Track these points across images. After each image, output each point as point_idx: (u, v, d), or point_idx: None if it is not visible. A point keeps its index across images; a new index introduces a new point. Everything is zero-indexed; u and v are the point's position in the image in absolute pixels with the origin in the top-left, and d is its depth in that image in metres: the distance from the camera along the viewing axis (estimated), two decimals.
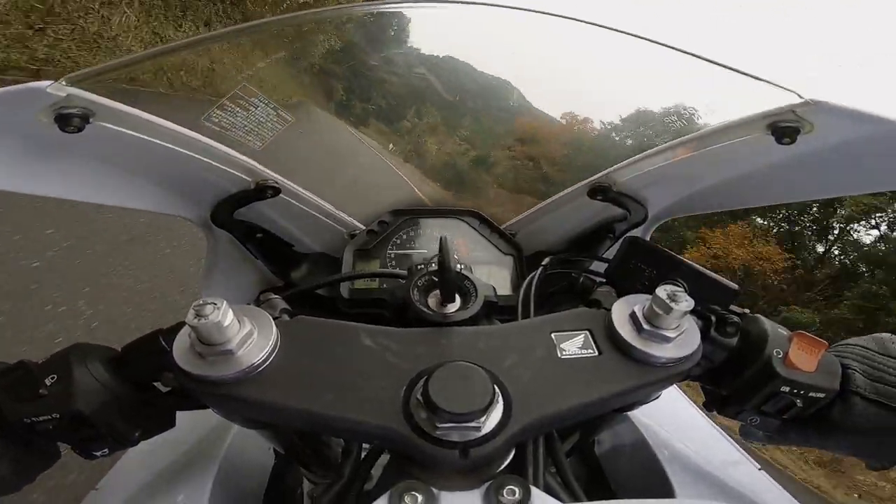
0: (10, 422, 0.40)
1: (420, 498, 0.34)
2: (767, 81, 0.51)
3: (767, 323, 0.47)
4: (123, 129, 0.49)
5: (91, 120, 0.44)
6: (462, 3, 0.75)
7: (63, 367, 0.41)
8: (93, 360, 0.42)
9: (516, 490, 0.34)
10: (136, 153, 0.54)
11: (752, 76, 0.53)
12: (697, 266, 0.52)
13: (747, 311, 0.50)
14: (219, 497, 0.50)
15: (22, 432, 0.40)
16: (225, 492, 0.52)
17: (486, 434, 0.35)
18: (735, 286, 0.51)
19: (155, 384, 0.46)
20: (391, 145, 1.23)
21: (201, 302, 0.37)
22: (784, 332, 0.47)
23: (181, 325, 0.41)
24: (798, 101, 0.47)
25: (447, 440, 0.35)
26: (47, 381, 0.40)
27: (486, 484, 0.35)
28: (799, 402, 0.45)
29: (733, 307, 0.50)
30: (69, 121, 0.43)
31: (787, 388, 0.44)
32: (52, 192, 0.57)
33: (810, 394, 0.44)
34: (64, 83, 0.42)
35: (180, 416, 0.49)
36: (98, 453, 0.44)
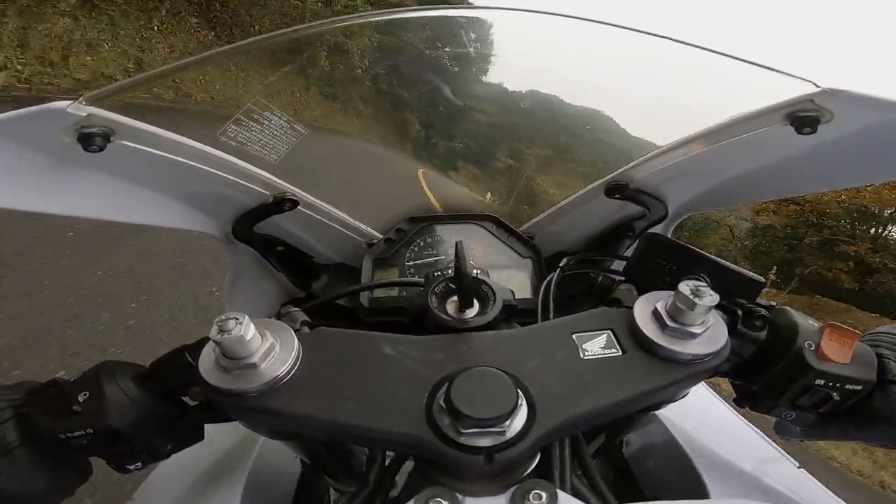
0: (45, 437, 0.41)
1: None
2: (784, 72, 0.50)
3: (796, 315, 0.46)
4: (144, 147, 0.50)
5: (112, 139, 0.46)
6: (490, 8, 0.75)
7: (94, 384, 0.42)
8: (122, 377, 0.43)
9: (543, 494, 0.34)
10: (156, 170, 0.55)
11: (768, 68, 0.52)
12: (721, 260, 0.51)
13: (774, 303, 0.49)
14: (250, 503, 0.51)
15: (56, 448, 0.42)
16: (254, 501, 0.52)
17: (511, 438, 0.35)
18: (761, 278, 0.50)
19: (183, 398, 0.47)
20: (489, 194, 1.20)
21: (224, 317, 0.38)
22: (814, 323, 0.46)
23: (205, 340, 0.41)
24: (816, 89, 0.46)
25: (471, 445, 0.35)
26: (80, 398, 0.41)
27: (512, 489, 0.35)
28: (836, 395, 0.43)
29: (760, 300, 0.49)
30: (91, 140, 0.44)
31: (821, 382, 0.43)
32: (75, 212, 0.58)
33: (847, 386, 0.43)
34: (84, 103, 0.43)
35: (209, 428, 0.50)
36: (131, 467, 0.45)
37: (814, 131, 0.48)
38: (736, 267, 0.51)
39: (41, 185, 0.50)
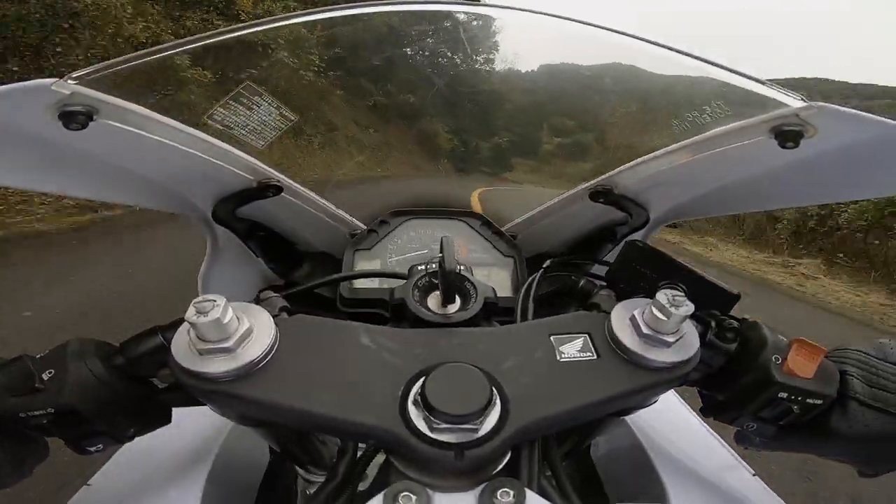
0: (4, 416, 0.40)
1: (414, 499, 0.34)
2: (770, 85, 0.51)
3: (767, 329, 0.47)
4: (127, 127, 0.49)
5: (95, 118, 0.44)
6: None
7: (60, 362, 0.41)
8: (90, 356, 0.42)
9: (511, 492, 0.34)
10: (139, 151, 0.54)
11: (755, 79, 0.53)
12: (698, 270, 0.52)
13: (747, 317, 0.50)
14: (212, 493, 0.50)
15: (14, 427, 0.40)
16: (219, 488, 0.52)
17: (483, 436, 0.35)
18: (736, 292, 0.51)
19: (152, 380, 0.46)
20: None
21: (201, 299, 0.37)
22: (783, 338, 0.47)
23: (180, 321, 0.41)
24: (801, 104, 0.47)
25: (443, 441, 0.35)
26: (44, 376, 0.40)
27: (482, 486, 0.35)
28: (796, 408, 0.45)
29: (733, 313, 0.50)
30: (73, 118, 0.43)
31: (784, 394, 0.44)
32: (56, 189, 0.57)
33: (808, 400, 0.44)
34: (69, 81, 0.42)
35: (176, 412, 0.49)
36: (92, 449, 0.44)
37: (796, 145, 0.49)
38: (713, 279, 0.52)
39: (22, 162, 0.49)
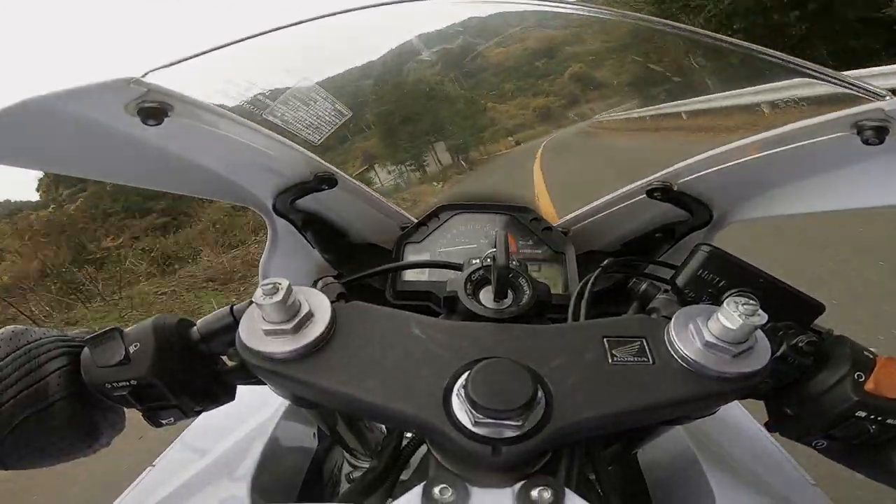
0: (91, 386, 0.43)
1: (452, 492, 0.34)
2: (852, 82, 0.47)
3: (852, 344, 0.44)
4: (198, 123, 0.52)
5: (170, 113, 0.47)
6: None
7: (145, 336, 0.44)
8: (172, 331, 0.45)
9: (549, 491, 0.34)
10: (207, 145, 0.58)
11: (834, 76, 0.49)
12: (779, 280, 0.49)
13: (832, 329, 0.46)
14: (263, 475, 0.53)
15: (96, 398, 0.44)
16: (269, 470, 0.55)
17: (523, 433, 0.35)
18: (821, 304, 0.48)
19: (222, 357, 0.49)
20: None
21: (268, 282, 0.39)
22: (869, 354, 0.43)
23: (251, 302, 0.43)
24: (887, 99, 0.43)
25: (482, 435, 0.35)
26: (131, 349, 0.43)
27: (520, 483, 0.35)
28: (873, 428, 0.41)
29: (816, 325, 0.47)
30: (150, 114, 0.46)
31: (863, 413, 0.41)
32: (130, 181, 0.61)
33: (888, 420, 0.41)
34: (146, 78, 0.45)
35: (239, 393, 0.52)
36: (164, 421, 0.47)
37: (881, 142, 0.45)
38: (795, 288, 0.49)
39: (99, 155, 0.53)
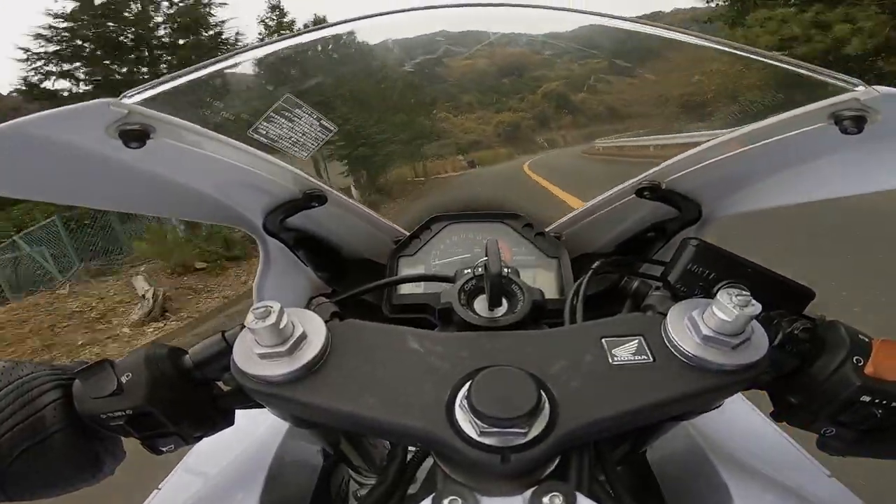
0: (85, 418, 0.43)
1: (462, 503, 0.34)
2: (827, 73, 0.49)
3: (846, 329, 0.44)
4: (182, 144, 0.51)
5: (152, 135, 0.47)
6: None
7: (137, 366, 0.44)
8: (163, 360, 0.45)
9: (560, 496, 0.33)
10: (193, 166, 0.57)
11: (809, 68, 0.50)
12: (768, 269, 0.50)
13: (824, 315, 0.47)
14: (270, 496, 0.52)
15: (93, 429, 0.43)
16: (276, 490, 0.54)
17: (530, 440, 0.35)
18: (811, 290, 0.48)
19: (218, 383, 0.48)
20: None
21: (259, 306, 0.39)
22: (865, 337, 0.44)
23: (243, 326, 0.42)
24: (861, 89, 0.44)
25: (489, 445, 0.34)
26: (123, 379, 0.43)
27: (531, 490, 0.35)
28: (880, 412, 0.41)
29: (808, 312, 0.47)
30: (131, 136, 0.45)
31: (867, 398, 0.41)
32: (114, 206, 0.61)
33: (893, 403, 0.41)
34: (126, 101, 0.44)
35: (239, 416, 0.51)
36: (164, 449, 0.47)
37: (860, 131, 0.46)
38: (784, 276, 0.49)
39: (83, 180, 0.52)
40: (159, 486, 0.61)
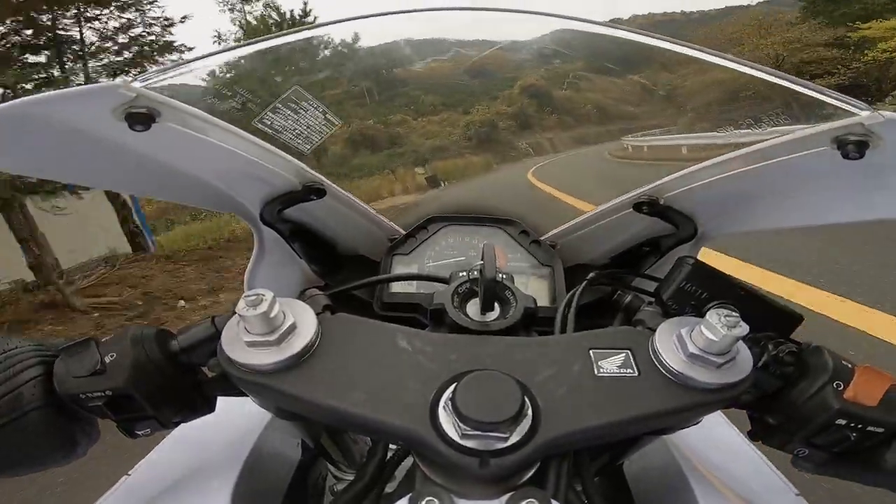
0: (65, 396, 0.42)
1: None
2: (832, 94, 0.48)
3: (830, 354, 0.45)
4: (186, 130, 0.52)
5: (158, 120, 0.47)
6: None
7: (121, 347, 0.43)
8: (150, 341, 0.45)
9: (535, 503, 0.33)
10: (196, 152, 0.57)
11: (815, 89, 0.50)
12: (759, 291, 0.50)
13: (811, 342, 0.47)
14: (244, 487, 0.52)
15: (71, 409, 0.43)
16: (250, 482, 0.53)
17: (510, 445, 0.35)
18: (799, 314, 0.49)
19: (202, 368, 0.48)
20: None
21: (251, 293, 0.39)
22: (848, 364, 0.44)
23: (234, 313, 0.42)
24: (866, 114, 0.44)
25: (469, 448, 0.35)
26: (107, 359, 0.42)
27: (507, 495, 0.35)
28: (853, 436, 0.42)
29: (795, 337, 0.48)
30: (137, 119, 0.45)
31: (843, 421, 0.42)
32: (116, 187, 0.61)
33: (868, 428, 0.41)
34: (135, 84, 0.44)
35: (219, 402, 0.51)
36: (140, 433, 0.46)
37: (861, 156, 0.46)
38: (775, 300, 0.50)
39: (88, 161, 0.52)
40: (129, 473, 0.60)
